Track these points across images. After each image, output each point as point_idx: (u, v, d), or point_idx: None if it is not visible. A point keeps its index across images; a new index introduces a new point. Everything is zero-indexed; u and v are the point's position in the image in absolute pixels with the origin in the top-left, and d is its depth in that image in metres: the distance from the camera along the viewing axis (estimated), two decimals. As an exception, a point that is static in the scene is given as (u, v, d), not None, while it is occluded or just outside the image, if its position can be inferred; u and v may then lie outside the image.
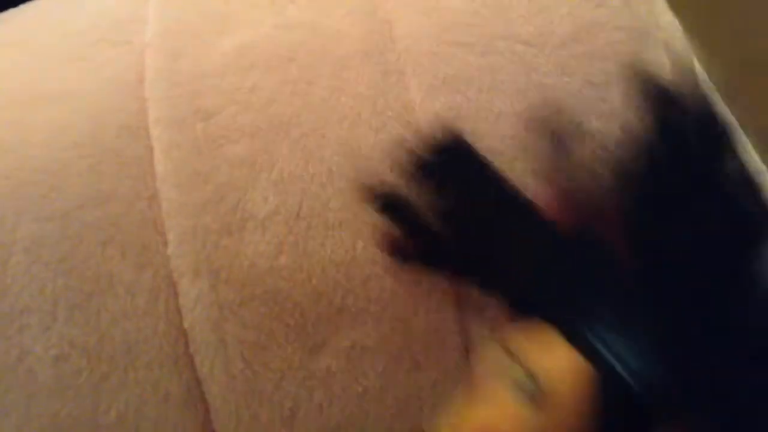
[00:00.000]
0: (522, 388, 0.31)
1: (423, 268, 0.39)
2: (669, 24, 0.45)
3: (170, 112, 0.42)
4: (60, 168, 0.41)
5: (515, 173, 0.41)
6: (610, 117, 0.42)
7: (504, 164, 0.41)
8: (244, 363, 0.41)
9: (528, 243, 0.35)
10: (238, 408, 0.41)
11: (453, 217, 0.37)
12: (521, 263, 0.35)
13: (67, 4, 0.50)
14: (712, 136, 0.33)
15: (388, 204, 0.38)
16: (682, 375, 0.30)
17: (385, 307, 0.41)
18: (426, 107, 0.42)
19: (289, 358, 0.41)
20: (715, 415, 0.30)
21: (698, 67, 0.47)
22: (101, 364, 0.40)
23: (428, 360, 0.42)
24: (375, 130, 0.41)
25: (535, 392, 0.31)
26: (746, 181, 0.34)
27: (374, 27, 0.44)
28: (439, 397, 0.43)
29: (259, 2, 0.46)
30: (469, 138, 0.39)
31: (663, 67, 0.43)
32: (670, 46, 0.44)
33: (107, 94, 0.43)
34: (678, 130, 0.33)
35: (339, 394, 0.41)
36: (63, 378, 0.39)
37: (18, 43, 0.48)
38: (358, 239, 0.40)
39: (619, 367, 0.30)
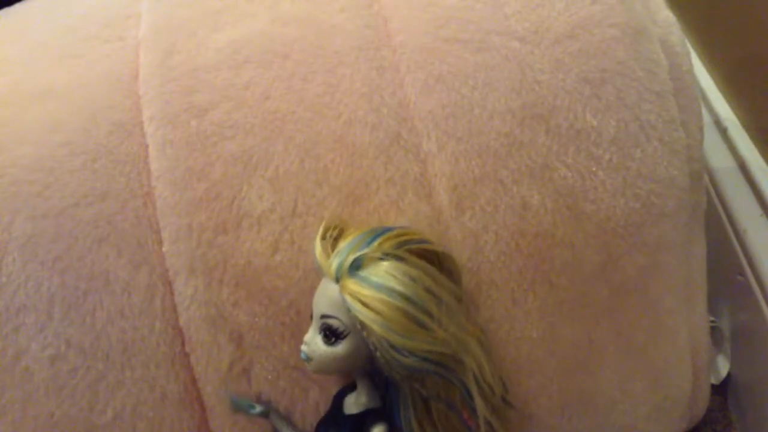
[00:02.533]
0: None
1: None
2: (666, 20, 0.46)
3: (164, 109, 0.43)
4: (54, 166, 0.42)
5: (509, 171, 0.42)
6: (605, 114, 0.43)
7: (498, 162, 0.42)
8: (239, 361, 0.42)
9: None
10: (233, 407, 0.42)
11: None
12: None
13: (60, 1, 0.51)
14: None
15: None
16: None
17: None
18: (420, 104, 0.43)
19: (285, 356, 0.42)
20: None
21: (696, 66, 0.48)
22: (97, 363, 0.41)
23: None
24: (371, 127, 0.42)
25: None
26: None
27: (369, 22, 0.45)
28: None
29: (254, -3, 0.47)
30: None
31: (659, 64, 0.44)
32: (666, 43, 0.45)
33: (100, 90, 0.44)
34: None
35: (335, 393, 0.42)
36: (59, 377, 0.41)
37: (10, 40, 0.49)
38: (354, 237, 0.41)
39: None
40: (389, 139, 0.42)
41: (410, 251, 0.38)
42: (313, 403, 0.43)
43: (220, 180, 0.42)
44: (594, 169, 0.42)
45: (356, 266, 0.37)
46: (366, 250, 0.37)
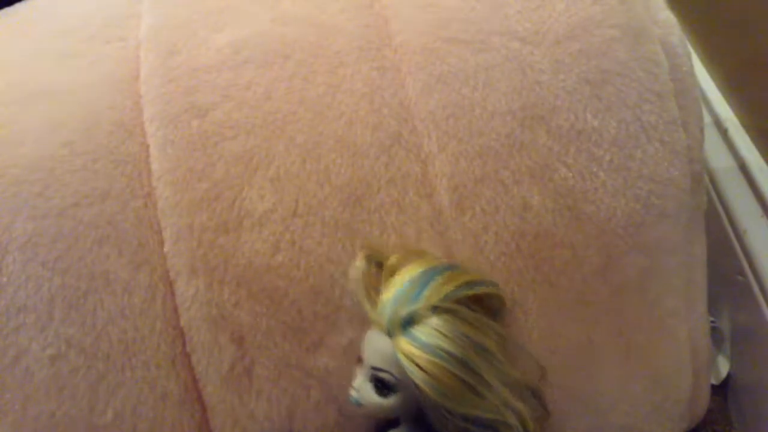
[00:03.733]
0: None
1: None
2: (666, 21, 0.46)
3: (165, 109, 0.43)
4: (54, 166, 0.42)
5: (510, 171, 0.42)
6: (606, 114, 0.43)
7: (498, 162, 0.42)
8: (240, 362, 0.42)
9: None
10: (234, 407, 0.42)
11: None
12: None
13: (60, 2, 0.51)
14: None
15: None
16: None
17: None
18: (421, 105, 0.43)
19: (286, 356, 0.42)
20: None
21: (696, 66, 0.48)
22: (98, 363, 0.41)
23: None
24: (372, 127, 0.42)
25: None
26: None
27: (370, 22, 0.45)
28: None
29: (255, -2, 0.47)
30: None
31: (660, 65, 0.44)
32: (667, 43, 0.45)
33: (101, 91, 0.44)
34: None
35: (336, 392, 0.42)
36: (59, 377, 0.41)
37: (11, 40, 0.49)
38: (355, 237, 0.42)
39: None
40: (390, 140, 0.42)
41: (459, 301, 0.38)
42: (315, 403, 0.43)
43: (222, 180, 0.42)
44: (595, 169, 0.42)
45: (407, 323, 0.37)
46: (416, 306, 0.37)
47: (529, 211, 0.42)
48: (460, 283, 0.39)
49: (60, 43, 0.47)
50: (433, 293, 0.38)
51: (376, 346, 0.38)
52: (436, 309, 0.37)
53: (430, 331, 0.37)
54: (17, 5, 0.53)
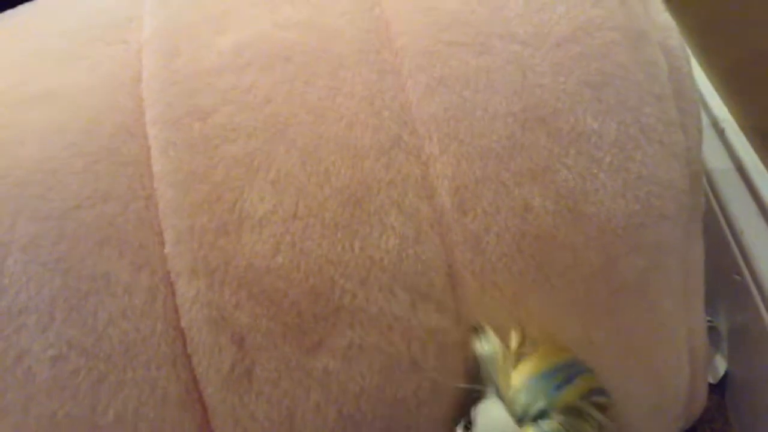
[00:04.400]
0: None
1: None
2: (665, 24, 0.46)
3: (167, 111, 0.43)
4: (56, 167, 0.42)
5: (511, 173, 0.42)
6: (606, 116, 0.42)
7: (500, 165, 0.42)
8: (241, 363, 0.41)
9: None
10: (234, 408, 0.42)
11: None
12: None
13: (62, 3, 0.51)
14: None
15: None
16: None
17: (384, 307, 0.42)
18: (422, 107, 0.42)
19: (287, 357, 0.42)
20: None
21: (694, 68, 0.48)
22: (99, 364, 0.40)
23: (427, 359, 0.43)
24: (372, 129, 0.42)
25: None
26: None
27: (371, 26, 0.45)
28: (437, 397, 0.44)
29: (256, 1, 0.47)
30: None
31: (659, 67, 0.44)
32: (666, 46, 0.45)
33: (103, 93, 0.44)
34: None
35: (336, 393, 0.42)
36: (61, 378, 0.40)
37: (13, 42, 0.48)
38: (355, 239, 0.41)
39: None
40: (390, 142, 0.42)
41: (590, 404, 0.39)
42: (315, 404, 0.42)
43: (222, 182, 0.42)
44: (595, 171, 0.42)
45: (540, 415, 0.38)
46: (552, 402, 0.38)
47: (530, 213, 0.42)
48: (592, 388, 0.40)
49: (62, 45, 0.47)
50: (570, 394, 0.38)
51: (495, 423, 0.38)
52: (569, 408, 0.38)
53: (558, 428, 0.37)
54: (20, 7, 0.52)
